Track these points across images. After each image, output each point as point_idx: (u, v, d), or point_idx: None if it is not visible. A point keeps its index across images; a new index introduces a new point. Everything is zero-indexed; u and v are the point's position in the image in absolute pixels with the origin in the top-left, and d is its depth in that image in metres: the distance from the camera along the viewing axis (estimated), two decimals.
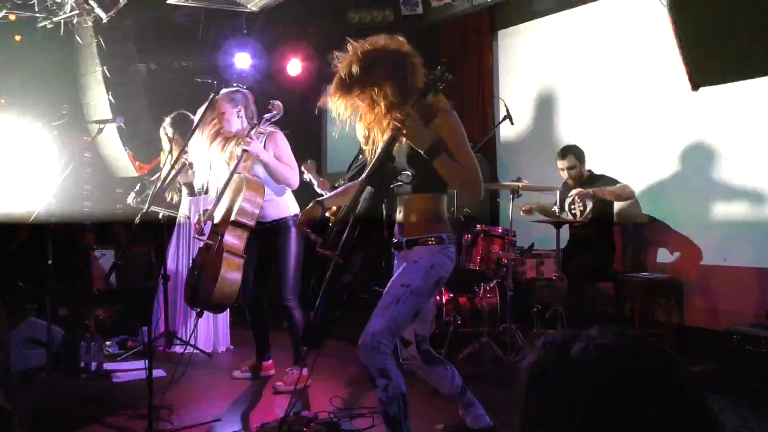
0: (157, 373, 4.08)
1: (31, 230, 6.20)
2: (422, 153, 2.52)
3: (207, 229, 4.02)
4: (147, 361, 3.00)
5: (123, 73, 6.19)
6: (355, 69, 2.55)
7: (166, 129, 4.90)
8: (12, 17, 5.79)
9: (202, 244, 3.99)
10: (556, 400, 0.84)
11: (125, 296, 5.65)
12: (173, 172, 4.45)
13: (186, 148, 4.05)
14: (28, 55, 6.31)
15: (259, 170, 4.01)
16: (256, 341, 4.33)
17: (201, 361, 4.53)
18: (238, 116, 4.07)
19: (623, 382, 0.83)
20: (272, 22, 6.80)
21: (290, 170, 4.01)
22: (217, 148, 4.06)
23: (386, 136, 2.60)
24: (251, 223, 3.87)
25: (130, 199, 5.10)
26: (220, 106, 4.03)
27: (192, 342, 4.65)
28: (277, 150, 4.02)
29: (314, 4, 6.53)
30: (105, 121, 4.39)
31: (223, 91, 4.09)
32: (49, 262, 4.19)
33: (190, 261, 4.90)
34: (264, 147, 3.98)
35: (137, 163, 6.20)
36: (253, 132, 3.92)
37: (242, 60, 6.43)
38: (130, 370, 4.33)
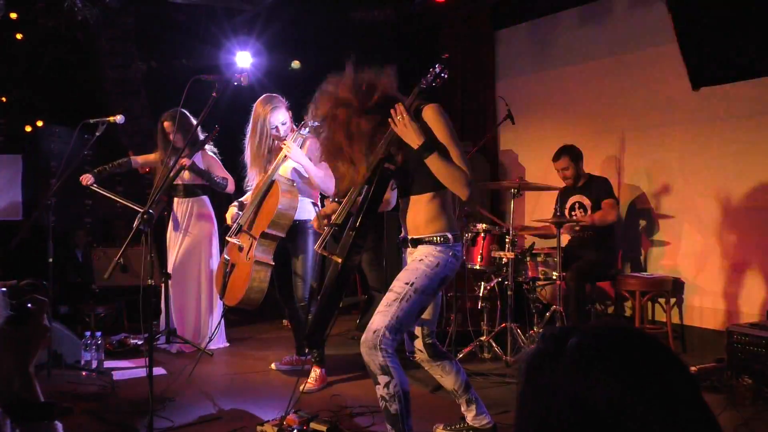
0: (158, 370, 4.09)
1: (31, 228, 6.20)
2: (415, 150, 2.52)
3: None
4: (147, 358, 3.00)
5: (124, 71, 6.19)
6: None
7: (164, 127, 4.86)
8: (13, 15, 5.78)
9: (233, 242, 4.07)
10: (551, 390, 0.84)
11: (126, 294, 5.64)
12: (173, 173, 4.46)
13: (185, 148, 4.05)
14: (29, 52, 6.31)
15: (296, 172, 4.04)
16: (295, 336, 4.39)
17: (201, 359, 4.51)
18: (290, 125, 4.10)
19: (618, 374, 0.83)
20: (274, 21, 6.80)
21: (328, 176, 3.97)
22: (272, 156, 4.10)
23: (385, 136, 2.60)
24: (282, 234, 3.94)
25: (88, 181, 4.75)
26: (284, 116, 4.05)
27: (207, 339, 4.77)
28: (312, 155, 4.00)
29: (316, 3, 6.53)
30: (106, 120, 4.35)
31: (274, 103, 4.06)
32: (50, 260, 4.19)
33: (184, 260, 4.91)
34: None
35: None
36: (291, 137, 3.94)
37: (243, 58, 6.42)
38: (130, 367, 4.33)
